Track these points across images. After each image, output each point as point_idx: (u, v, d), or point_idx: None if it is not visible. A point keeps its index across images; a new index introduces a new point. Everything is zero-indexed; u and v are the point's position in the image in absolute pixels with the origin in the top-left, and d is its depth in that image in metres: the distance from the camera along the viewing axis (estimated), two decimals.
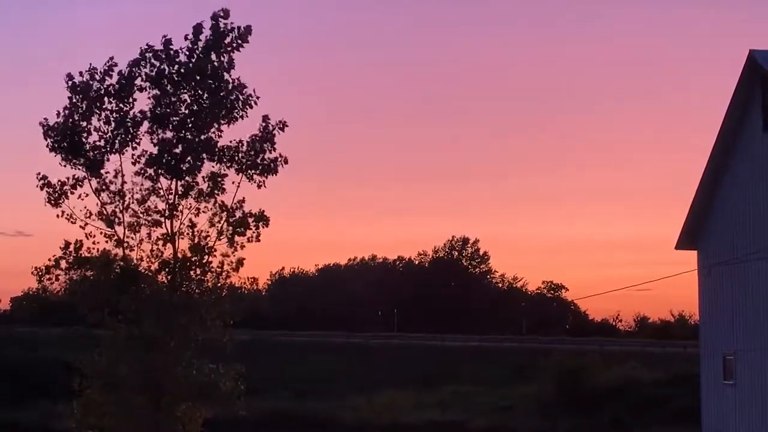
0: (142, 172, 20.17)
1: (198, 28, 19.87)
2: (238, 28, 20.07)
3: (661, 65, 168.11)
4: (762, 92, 27.53)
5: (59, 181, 20.01)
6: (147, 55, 19.85)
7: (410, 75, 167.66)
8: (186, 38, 19.89)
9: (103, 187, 20.14)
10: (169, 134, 20.10)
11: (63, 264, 20.07)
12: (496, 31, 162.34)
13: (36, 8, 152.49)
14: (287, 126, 20.69)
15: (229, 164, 20.52)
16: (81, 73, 19.85)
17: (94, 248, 20.15)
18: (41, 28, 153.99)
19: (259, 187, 20.69)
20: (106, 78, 19.85)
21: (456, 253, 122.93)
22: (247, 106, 20.36)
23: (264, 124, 20.57)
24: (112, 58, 19.87)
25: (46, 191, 19.95)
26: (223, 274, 20.43)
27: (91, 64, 19.84)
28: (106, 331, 20.35)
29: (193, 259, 20.21)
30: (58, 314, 76.86)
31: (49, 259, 20.07)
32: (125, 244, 20.28)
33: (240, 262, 20.48)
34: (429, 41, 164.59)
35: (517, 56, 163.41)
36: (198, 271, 20.31)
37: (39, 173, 19.94)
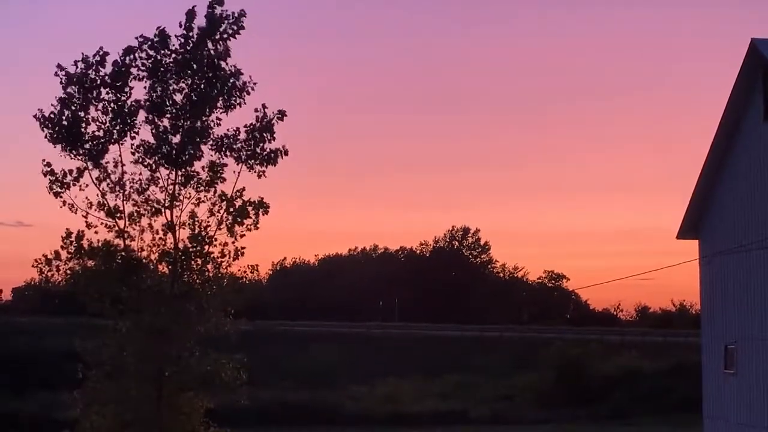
0: (140, 160, 20.13)
1: (191, 14, 19.75)
2: (233, 14, 20.00)
3: (661, 55, 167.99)
4: (763, 81, 27.47)
5: (62, 170, 20.00)
6: (143, 46, 19.77)
7: (411, 65, 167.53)
8: (180, 25, 19.80)
9: (104, 177, 20.12)
10: (165, 122, 20.05)
11: (64, 254, 20.07)
12: (497, 20, 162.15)
13: None
14: (286, 115, 20.59)
15: (227, 153, 20.48)
16: (75, 63, 19.75)
17: (95, 238, 20.17)
18: (37, 17, 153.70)
19: (259, 177, 20.66)
20: (100, 68, 19.78)
21: (457, 243, 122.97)
22: (245, 93, 20.27)
23: (262, 114, 20.47)
24: (102, 48, 19.80)
25: (49, 179, 19.93)
26: (224, 263, 20.42)
27: (83, 53, 19.75)
28: (108, 321, 20.39)
29: (193, 249, 20.20)
30: (59, 304, 76.96)
31: (51, 252, 20.06)
32: (126, 235, 20.28)
33: (240, 251, 20.46)
34: (430, 31, 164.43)
35: (517, 47, 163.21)
36: (199, 261, 20.31)
37: (44, 160, 19.94)
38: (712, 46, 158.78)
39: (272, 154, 20.58)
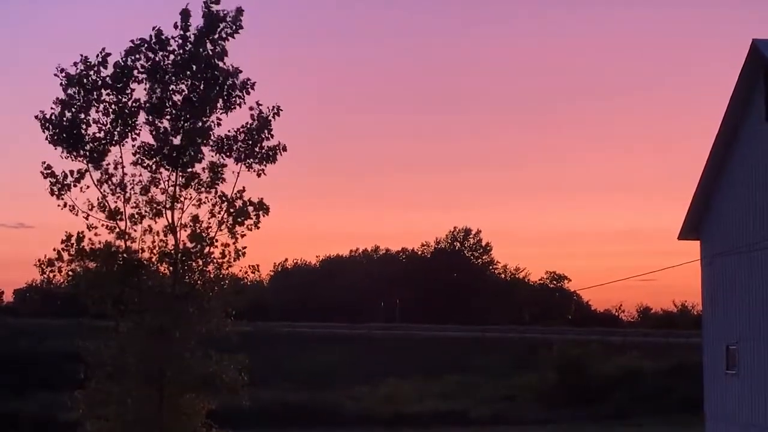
0: (140, 162, 20.09)
1: (185, 14, 19.67)
2: (232, 13, 19.89)
3: (662, 56, 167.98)
4: (764, 82, 27.47)
5: (63, 172, 19.98)
6: (141, 48, 19.70)
7: (411, 65, 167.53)
8: (176, 26, 19.73)
9: (105, 178, 20.11)
10: (166, 124, 20.01)
11: (65, 256, 20.04)
12: (497, 20, 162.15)
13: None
14: (282, 110, 20.44)
15: (228, 154, 20.43)
16: (75, 64, 19.72)
17: (96, 240, 20.15)
18: (37, 17, 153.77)
19: (258, 175, 20.59)
20: (102, 69, 19.74)
21: (458, 244, 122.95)
22: (244, 92, 20.21)
23: (258, 111, 20.40)
24: (104, 49, 19.70)
25: (50, 181, 19.91)
26: (225, 264, 20.39)
27: (82, 55, 19.66)
28: (110, 322, 20.38)
29: (194, 250, 20.18)
30: (62, 306, 77.03)
31: (54, 250, 20.06)
32: (127, 236, 20.26)
33: (241, 252, 20.43)
34: (430, 31, 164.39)
35: (517, 47, 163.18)
36: (200, 262, 20.29)
37: (44, 162, 19.92)
38: (712, 46, 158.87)
39: (271, 152, 20.53)
